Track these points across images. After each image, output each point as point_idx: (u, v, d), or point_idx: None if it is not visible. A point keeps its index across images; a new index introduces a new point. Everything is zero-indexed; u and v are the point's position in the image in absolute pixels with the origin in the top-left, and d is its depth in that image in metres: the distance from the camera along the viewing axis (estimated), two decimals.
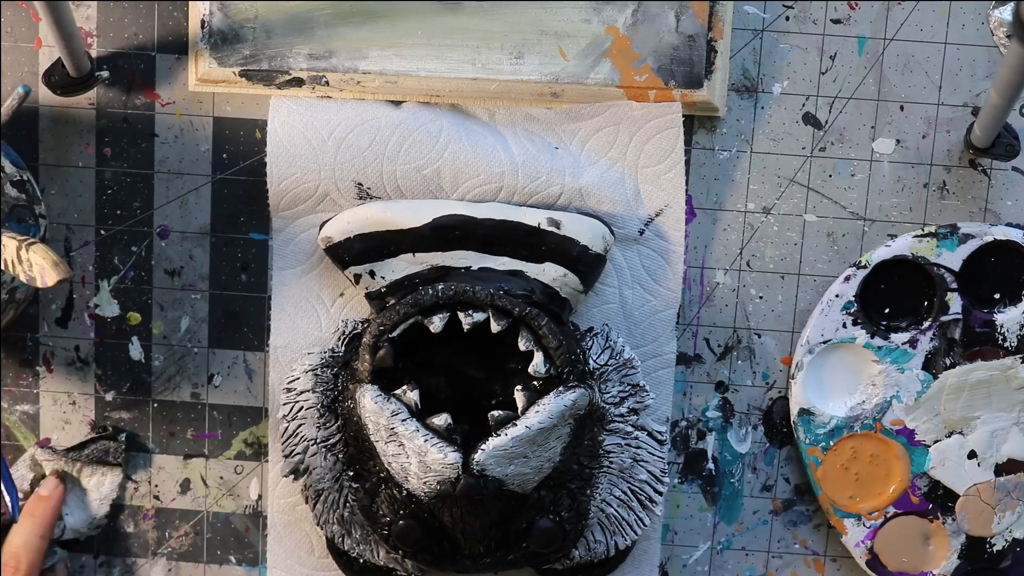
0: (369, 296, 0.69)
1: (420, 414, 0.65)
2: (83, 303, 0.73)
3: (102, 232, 0.72)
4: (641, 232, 0.71)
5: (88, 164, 0.72)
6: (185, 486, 0.74)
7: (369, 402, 0.64)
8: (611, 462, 0.68)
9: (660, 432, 0.69)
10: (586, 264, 0.68)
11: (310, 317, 0.72)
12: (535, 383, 0.66)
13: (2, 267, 0.62)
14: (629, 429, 0.68)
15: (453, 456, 0.63)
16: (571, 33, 0.69)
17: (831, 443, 0.72)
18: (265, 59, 0.69)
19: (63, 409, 0.74)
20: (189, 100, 0.71)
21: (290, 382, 0.69)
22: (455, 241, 0.67)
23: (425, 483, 0.64)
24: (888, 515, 0.73)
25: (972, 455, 0.72)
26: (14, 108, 0.68)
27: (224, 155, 0.72)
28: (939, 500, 0.72)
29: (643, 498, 0.69)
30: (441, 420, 0.64)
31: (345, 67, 0.69)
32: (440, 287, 0.65)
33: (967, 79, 0.71)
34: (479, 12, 0.69)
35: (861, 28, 0.70)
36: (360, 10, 0.68)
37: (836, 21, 0.70)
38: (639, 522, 0.69)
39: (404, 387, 0.65)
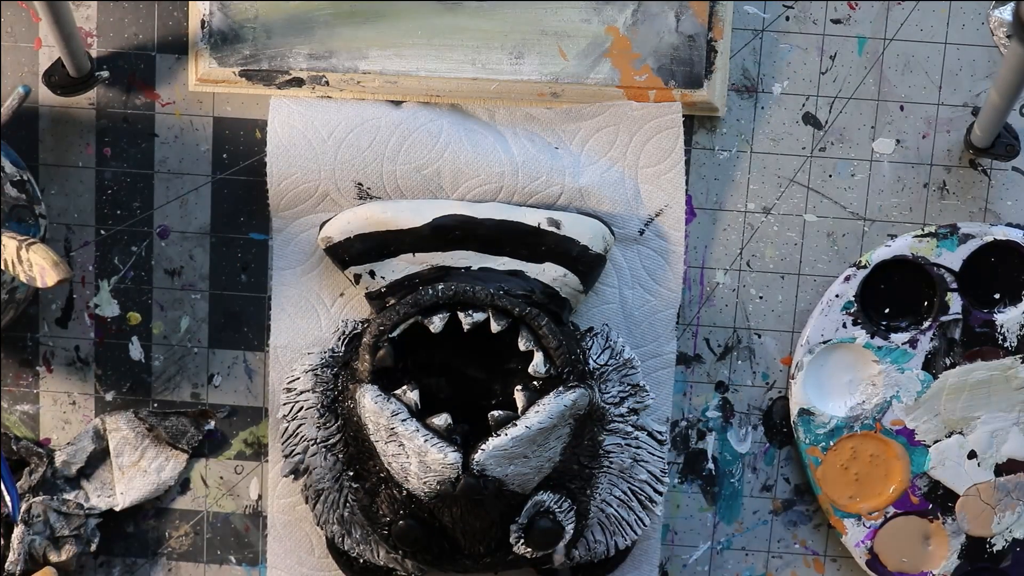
0: (369, 296, 0.69)
1: (420, 414, 0.65)
2: (83, 303, 0.73)
3: (102, 232, 0.72)
4: (641, 232, 0.71)
5: (88, 164, 0.72)
6: (185, 486, 0.74)
7: (369, 402, 0.64)
8: (611, 462, 0.68)
9: (660, 432, 0.69)
10: (586, 264, 0.68)
11: (310, 317, 0.72)
12: (535, 383, 0.66)
13: (2, 267, 0.62)
14: (629, 429, 0.68)
15: (453, 456, 0.63)
16: (571, 33, 0.69)
17: (831, 443, 0.72)
18: (265, 59, 0.69)
19: (63, 409, 0.74)
20: (189, 100, 0.71)
21: (290, 382, 0.69)
22: (455, 241, 0.67)
23: (425, 483, 0.64)
24: (888, 515, 0.73)
25: (972, 455, 0.72)
26: (14, 108, 0.68)
27: (224, 155, 0.72)
28: (939, 500, 0.72)
29: (643, 498, 0.69)
30: (441, 420, 0.64)
31: (345, 67, 0.69)
32: (440, 287, 0.65)
33: (967, 79, 0.71)
34: (479, 12, 0.68)
35: (861, 28, 0.70)
36: (360, 10, 0.68)
37: (836, 21, 0.70)
38: (639, 522, 0.69)
39: (404, 387, 0.65)
